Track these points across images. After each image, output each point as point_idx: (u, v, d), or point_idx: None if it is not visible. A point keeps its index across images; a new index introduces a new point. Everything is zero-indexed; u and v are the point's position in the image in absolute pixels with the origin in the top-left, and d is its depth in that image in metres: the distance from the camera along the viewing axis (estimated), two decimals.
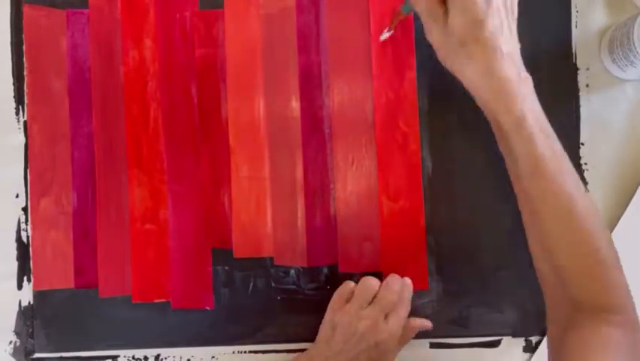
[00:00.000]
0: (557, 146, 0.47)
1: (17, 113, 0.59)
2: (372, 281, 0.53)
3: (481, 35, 0.45)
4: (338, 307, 0.54)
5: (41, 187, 0.58)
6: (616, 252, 0.47)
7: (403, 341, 0.54)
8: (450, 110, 0.57)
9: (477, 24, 0.45)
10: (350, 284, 0.54)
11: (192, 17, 0.58)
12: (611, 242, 0.47)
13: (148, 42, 0.58)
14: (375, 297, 0.53)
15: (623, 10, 0.56)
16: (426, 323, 0.55)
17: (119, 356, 0.58)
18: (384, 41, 0.57)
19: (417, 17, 0.57)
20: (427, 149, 0.57)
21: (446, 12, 0.46)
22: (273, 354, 0.57)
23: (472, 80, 0.47)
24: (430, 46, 0.57)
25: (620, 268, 0.46)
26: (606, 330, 0.44)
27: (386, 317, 0.52)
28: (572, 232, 0.46)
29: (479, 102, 0.48)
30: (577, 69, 0.57)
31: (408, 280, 0.54)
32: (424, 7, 0.47)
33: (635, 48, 0.51)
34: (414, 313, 0.57)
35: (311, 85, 0.57)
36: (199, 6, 0.58)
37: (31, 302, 0.58)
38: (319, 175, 0.57)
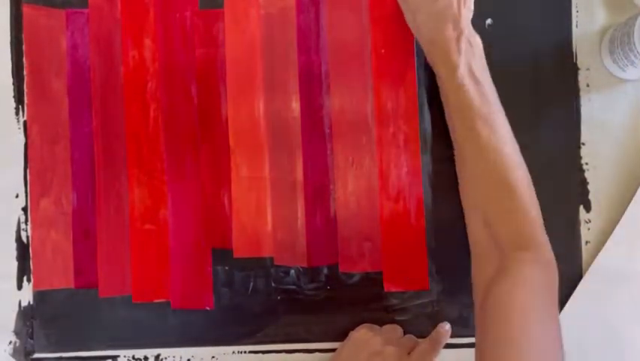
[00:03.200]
0: (489, 94, 0.51)
1: (17, 113, 0.59)
2: (398, 327, 0.56)
3: (432, 10, 0.52)
4: (366, 332, 0.55)
5: (41, 187, 0.58)
6: (532, 190, 0.50)
7: None
8: None
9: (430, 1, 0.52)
10: (374, 326, 0.56)
11: (192, 17, 0.58)
12: (527, 181, 0.50)
13: (148, 42, 0.58)
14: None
15: (623, 10, 0.56)
16: None
17: (119, 356, 0.58)
18: (385, 41, 0.57)
19: None
20: (427, 149, 0.57)
21: None
22: (273, 354, 0.57)
23: (420, 37, 0.54)
24: None
25: (535, 206, 0.49)
26: (528, 271, 0.47)
27: (409, 353, 0.53)
28: (490, 173, 0.50)
29: (427, 57, 0.55)
30: (577, 69, 0.57)
31: (447, 326, 0.56)
32: None
33: (636, 48, 0.51)
34: (414, 312, 0.57)
35: (311, 85, 0.57)
36: (199, 6, 0.58)
37: (31, 302, 0.58)
38: (319, 175, 0.57)
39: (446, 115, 0.54)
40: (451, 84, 0.51)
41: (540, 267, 0.47)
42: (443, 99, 0.54)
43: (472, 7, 0.53)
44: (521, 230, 0.49)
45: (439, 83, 0.54)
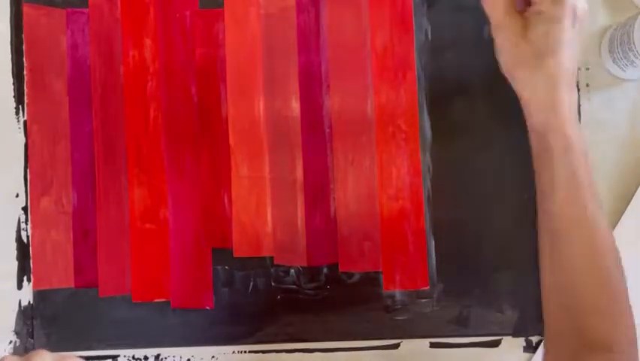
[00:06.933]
0: (591, 176, 0.47)
1: (17, 113, 0.58)
2: None
3: (559, 52, 0.45)
4: None
5: (41, 187, 0.58)
6: (627, 291, 0.47)
7: None
8: (450, 110, 0.57)
9: (559, 41, 0.45)
10: None
11: (192, 17, 0.58)
12: (624, 280, 0.47)
13: (148, 42, 0.58)
14: None
15: (623, 10, 0.56)
16: None
17: (119, 356, 0.58)
18: (384, 41, 0.57)
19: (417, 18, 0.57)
20: (427, 149, 0.57)
21: (525, 23, 0.46)
22: (273, 354, 0.57)
23: (532, 94, 0.47)
24: (429, 46, 0.57)
25: (629, 306, 0.46)
26: None
27: None
28: (591, 264, 0.46)
29: (530, 117, 0.47)
30: (577, 69, 0.57)
31: None
32: (500, 15, 0.47)
33: (635, 47, 0.51)
34: (414, 312, 0.57)
35: (311, 85, 0.57)
36: (199, 6, 0.58)
37: (31, 302, 0.58)
38: (319, 175, 0.57)
39: (543, 182, 0.48)
40: (559, 145, 0.46)
41: None
42: (540, 163, 0.48)
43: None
44: (612, 330, 0.45)
45: (536, 142, 0.48)
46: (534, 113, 0.47)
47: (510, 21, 0.46)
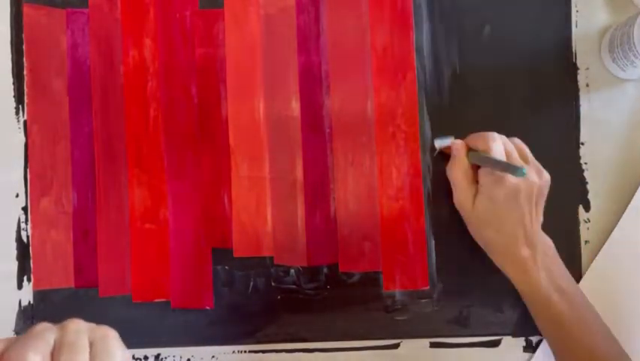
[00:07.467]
0: (575, 297, 0.50)
1: (17, 113, 0.58)
2: None
3: (501, 228, 0.50)
4: None
5: (41, 187, 0.58)
6: None
7: None
8: (450, 110, 0.57)
9: (498, 218, 0.50)
10: None
11: (192, 17, 0.58)
12: None
13: (148, 42, 0.58)
14: None
15: (623, 10, 0.57)
16: None
17: None
18: (384, 41, 0.57)
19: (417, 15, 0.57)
20: (427, 149, 0.57)
21: (477, 193, 0.51)
22: (273, 354, 0.57)
23: (490, 252, 0.53)
24: (429, 46, 0.57)
25: None
26: None
27: None
28: None
29: (500, 268, 0.53)
30: (577, 69, 0.57)
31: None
32: (458, 181, 0.52)
33: (635, 47, 0.51)
34: (414, 312, 0.57)
35: (311, 85, 0.57)
36: (199, 6, 0.58)
37: (31, 302, 0.58)
38: (319, 175, 0.57)
39: (537, 324, 0.53)
40: (537, 300, 0.50)
41: None
42: (531, 311, 0.53)
43: (542, 216, 0.51)
44: None
45: (522, 296, 0.53)
46: (499, 266, 0.53)
47: (466, 188, 0.51)
